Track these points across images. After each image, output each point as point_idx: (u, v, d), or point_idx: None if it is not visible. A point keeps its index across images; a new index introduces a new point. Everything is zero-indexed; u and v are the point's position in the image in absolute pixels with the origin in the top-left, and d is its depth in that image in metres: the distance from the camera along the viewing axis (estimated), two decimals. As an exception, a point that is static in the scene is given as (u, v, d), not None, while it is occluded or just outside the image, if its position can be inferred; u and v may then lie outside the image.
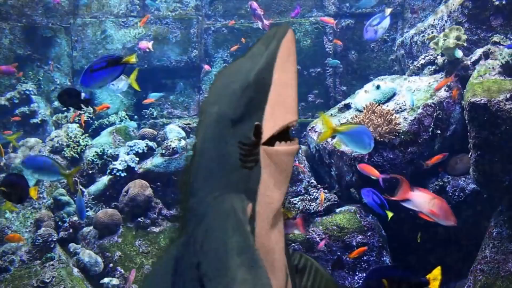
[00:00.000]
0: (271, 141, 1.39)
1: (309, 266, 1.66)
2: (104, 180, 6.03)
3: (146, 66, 7.51)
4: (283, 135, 1.41)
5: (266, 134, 1.37)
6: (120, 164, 5.90)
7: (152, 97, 6.97)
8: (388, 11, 4.82)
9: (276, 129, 1.37)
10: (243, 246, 1.29)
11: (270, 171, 1.38)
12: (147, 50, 6.93)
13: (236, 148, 1.36)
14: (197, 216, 1.40)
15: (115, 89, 4.74)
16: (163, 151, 6.02)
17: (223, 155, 1.38)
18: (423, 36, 5.91)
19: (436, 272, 2.25)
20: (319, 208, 4.91)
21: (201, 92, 7.66)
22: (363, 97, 5.31)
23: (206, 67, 7.36)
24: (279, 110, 1.37)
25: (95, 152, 6.29)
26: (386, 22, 4.75)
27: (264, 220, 1.39)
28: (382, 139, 4.61)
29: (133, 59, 3.22)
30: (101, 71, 3.23)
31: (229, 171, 1.37)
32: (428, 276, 2.23)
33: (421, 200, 3.69)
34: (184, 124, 6.83)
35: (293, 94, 1.40)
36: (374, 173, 4.31)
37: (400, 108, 4.90)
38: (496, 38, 4.89)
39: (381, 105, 4.97)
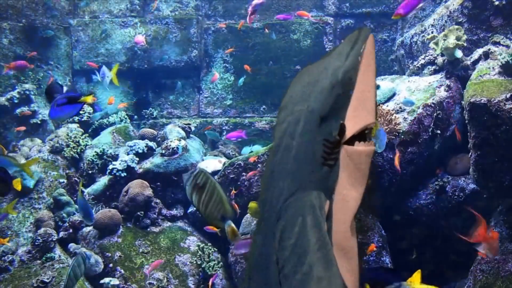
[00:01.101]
0: (350, 141, 1.40)
1: (209, 184, 1.76)
2: (104, 180, 6.03)
3: (146, 66, 7.52)
4: (361, 135, 1.42)
5: (348, 133, 1.38)
6: (120, 164, 5.89)
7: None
8: None
9: (356, 129, 1.38)
10: (320, 245, 1.31)
11: (348, 170, 1.39)
12: (143, 44, 6.93)
13: (321, 145, 1.38)
14: (276, 210, 1.43)
15: (106, 85, 5.30)
16: (163, 151, 6.02)
17: (310, 151, 1.39)
18: (423, 36, 5.91)
19: (416, 276, 2.24)
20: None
21: (201, 92, 7.66)
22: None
23: (215, 77, 7.37)
24: (360, 111, 1.38)
25: (95, 152, 6.29)
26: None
27: (340, 218, 1.41)
28: (382, 139, 4.61)
29: (89, 99, 3.52)
30: (64, 106, 3.57)
31: (312, 167, 1.39)
32: (409, 280, 2.22)
33: (494, 245, 3.60)
34: (184, 124, 6.82)
35: (373, 95, 1.43)
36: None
37: (400, 108, 4.91)
38: (496, 38, 4.89)
39: (381, 105, 4.97)
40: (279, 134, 1.47)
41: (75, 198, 5.80)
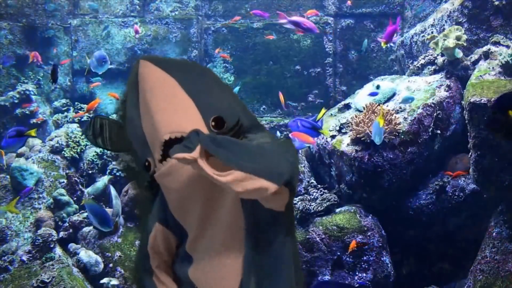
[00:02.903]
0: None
1: (105, 124, 1.85)
2: (104, 180, 6.04)
3: (146, 66, 7.52)
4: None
5: (156, 161, 1.45)
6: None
7: (96, 81, 7.07)
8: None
9: (157, 155, 1.42)
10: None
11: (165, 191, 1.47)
12: (140, 32, 6.92)
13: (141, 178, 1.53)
14: None
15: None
16: (163, 151, 6.02)
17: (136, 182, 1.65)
18: (423, 36, 5.91)
19: None
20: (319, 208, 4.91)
21: (201, 92, 7.66)
22: (363, 97, 5.31)
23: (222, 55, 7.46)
24: (152, 136, 1.41)
25: (95, 152, 6.30)
26: None
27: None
28: (386, 140, 4.61)
29: (33, 133, 4.30)
30: (14, 138, 4.29)
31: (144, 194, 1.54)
32: None
33: None
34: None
35: (155, 113, 1.37)
36: (308, 140, 4.30)
37: (400, 108, 4.91)
38: (496, 38, 4.89)
39: (381, 105, 4.97)
40: None
41: (75, 198, 5.80)
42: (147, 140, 1.38)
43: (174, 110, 1.33)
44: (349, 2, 7.13)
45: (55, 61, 7.27)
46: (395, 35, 5.43)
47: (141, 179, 1.45)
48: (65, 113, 7.07)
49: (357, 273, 4.64)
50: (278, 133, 6.88)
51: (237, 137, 1.34)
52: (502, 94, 1.91)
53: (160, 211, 1.42)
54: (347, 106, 5.59)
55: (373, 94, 5.02)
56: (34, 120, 6.91)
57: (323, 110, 4.53)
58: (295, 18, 5.18)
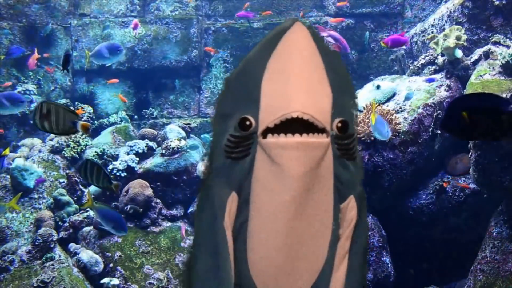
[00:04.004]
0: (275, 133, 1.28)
1: (53, 108, 1.83)
2: (104, 180, 6.04)
3: (146, 66, 7.52)
4: (281, 127, 1.28)
5: (261, 126, 1.28)
6: (120, 164, 5.90)
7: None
8: None
9: (270, 120, 1.26)
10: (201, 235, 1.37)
11: (264, 165, 1.29)
12: (138, 27, 6.89)
13: (222, 139, 1.33)
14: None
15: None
16: (163, 151, 6.02)
17: (216, 146, 1.37)
18: (423, 36, 5.92)
19: None
20: None
21: (201, 92, 7.66)
22: (363, 97, 5.31)
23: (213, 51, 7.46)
24: (274, 102, 1.27)
25: (95, 152, 6.29)
26: None
27: (255, 214, 1.33)
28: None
29: (7, 151, 4.66)
30: None
31: (218, 160, 1.36)
32: None
33: None
34: (184, 124, 6.83)
35: (294, 85, 1.26)
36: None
37: (400, 108, 4.91)
38: (496, 38, 4.89)
39: (381, 105, 4.97)
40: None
41: (75, 198, 5.80)
42: (260, 100, 1.28)
43: (313, 93, 1.27)
44: (343, 3, 7.14)
45: (67, 50, 7.23)
46: (402, 45, 5.46)
47: (223, 132, 1.34)
48: (80, 106, 7.05)
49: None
50: None
51: (353, 148, 1.34)
52: (457, 96, 2.06)
53: (238, 180, 1.32)
54: (347, 106, 5.59)
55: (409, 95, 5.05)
56: None
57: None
58: (334, 33, 5.24)
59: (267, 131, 1.27)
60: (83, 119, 7.02)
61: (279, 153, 1.25)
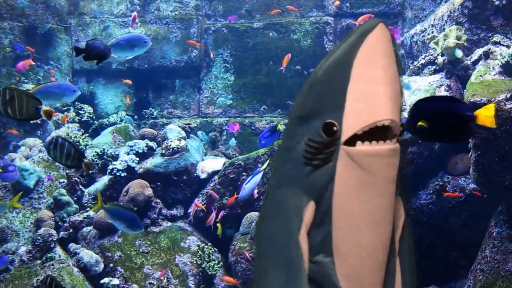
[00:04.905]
0: (361, 140, 1.23)
1: (16, 94, 1.79)
2: (104, 180, 6.04)
3: (146, 66, 7.52)
4: (381, 134, 1.25)
5: (347, 132, 1.22)
6: (120, 164, 5.90)
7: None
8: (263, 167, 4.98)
9: (359, 127, 1.21)
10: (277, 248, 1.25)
11: (350, 173, 1.23)
12: (136, 20, 6.85)
13: (301, 144, 1.26)
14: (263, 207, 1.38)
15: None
16: (163, 151, 6.02)
17: (288, 150, 1.29)
18: (423, 36, 5.91)
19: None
20: None
21: (201, 92, 7.66)
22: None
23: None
24: (362, 108, 1.22)
25: (95, 152, 6.30)
26: (257, 177, 4.86)
27: (342, 223, 1.26)
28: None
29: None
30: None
31: (291, 166, 1.28)
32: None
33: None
34: (184, 124, 6.83)
35: (381, 90, 1.23)
36: None
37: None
38: (496, 38, 4.89)
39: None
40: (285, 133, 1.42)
41: (75, 198, 5.80)
42: (345, 105, 1.22)
43: (396, 100, 1.27)
44: (337, 3, 7.15)
45: (75, 43, 7.21)
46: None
47: (299, 137, 1.27)
48: (65, 113, 7.07)
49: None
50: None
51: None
52: (420, 99, 2.12)
53: (318, 189, 1.25)
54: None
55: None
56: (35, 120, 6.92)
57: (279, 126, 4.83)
58: None
59: (352, 138, 1.22)
60: (83, 119, 7.04)
61: (372, 161, 1.22)
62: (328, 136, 1.23)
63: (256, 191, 5.35)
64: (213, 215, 5.35)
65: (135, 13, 6.75)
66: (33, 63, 6.56)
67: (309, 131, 1.26)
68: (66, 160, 3.34)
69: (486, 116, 2.13)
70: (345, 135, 1.22)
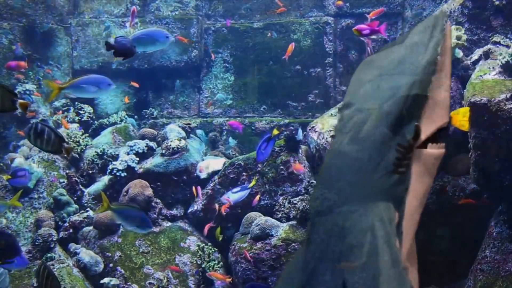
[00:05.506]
0: (423, 144, 1.22)
1: None
2: (104, 180, 6.04)
3: (146, 66, 7.52)
4: (433, 137, 1.24)
5: (422, 136, 1.21)
6: (120, 164, 5.90)
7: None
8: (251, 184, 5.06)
9: (431, 130, 1.21)
10: (392, 265, 1.17)
11: (419, 176, 1.22)
12: (135, 15, 6.80)
13: (393, 150, 1.19)
14: (331, 226, 1.25)
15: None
16: (163, 151, 6.02)
17: (378, 156, 1.20)
18: (423, 36, 5.91)
19: None
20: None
21: (201, 92, 7.66)
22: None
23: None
24: (437, 110, 1.21)
25: (95, 152, 6.30)
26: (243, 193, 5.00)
27: (408, 234, 1.25)
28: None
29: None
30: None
31: (380, 175, 1.21)
32: None
33: None
34: (184, 124, 6.83)
35: (448, 94, 1.24)
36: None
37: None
38: (496, 38, 4.89)
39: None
40: (341, 135, 1.29)
41: (75, 198, 5.80)
42: (426, 105, 1.19)
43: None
44: (340, 2, 7.15)
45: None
46: (373, 35, 5.45)
47: (387, 142, 1.19)
48: (65, 113, 7.07)
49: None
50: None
51: None
52: None
53: (400, 198, 1.23)
54: (347, 106, 5.59)
55: None
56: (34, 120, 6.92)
57: (275, 131, 4.89)
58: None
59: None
60: (83, 119, 7.03)
61: (433, 163, 1.23)
62: (414, 140, 1.20)
63: (257, 197, 5.38)
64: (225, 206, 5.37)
65: (134, 7, 6.73)
66: (26, 66, 6.54)
67: (399, 137, 1.20)
68: (46, 146, 3.35)
69: (459, 119, 2.20)
70: (422, 138, 1.21)
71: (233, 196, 4.88)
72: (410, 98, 1.21)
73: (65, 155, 4.16)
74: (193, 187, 5.68)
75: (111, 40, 3.63)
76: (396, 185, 1.21)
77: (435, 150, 1.23)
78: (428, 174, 1.22)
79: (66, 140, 4.52)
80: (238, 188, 4.93)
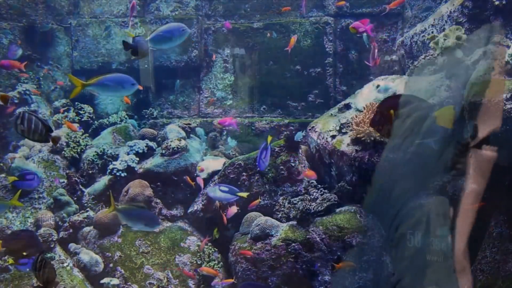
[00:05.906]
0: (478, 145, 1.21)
1: None
2: (104, 180, 6.04)
3: (146, 66, 7.52)
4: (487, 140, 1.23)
5: (479, 136, 1.20)
6: (120, 164, 5.90)
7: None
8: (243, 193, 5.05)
9: (485, 133, 1.19)
10: (446, 259, 1.15)
11: (475, 176, 1.20)
12: (135, 9, 6.78)
13: (453, 147, 1.21)
14: (394, 209, 1.26)
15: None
16: (163, 151, 6.02)
17: (438, 152, 1.23)
18: (423, 36, 5.91)
19: None
20: (319, 208, 4.93)
21: (201, 92, 7.66)
22: (363, 97, 5.31)
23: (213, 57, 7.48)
24: (490, 114, 1.20)
25: (95, 152, 6.29)
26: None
27: (461, 231, 1.26)
28: (382, 139, 4.61)
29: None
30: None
31: (439, 170, 1.22)
32: None
33: None
34: (184, 124, 6.83)
35: (501, 99, 1.23)
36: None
37: (400, 108, 4.91)
38: (496, 38, 4.89)
39: (381, 105, 4.97)
40: (400, 130, 1.30)
41: (75, 198, 5.80)
42: (482, 107, 1.19)
43: None
44: (342, 2, 7.15)
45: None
46: (363, 34, 5.46)
47: (450, 141, 1.20)
48: (65, 113, 7.07)
49: (357, 273, 4.65)
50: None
51: None
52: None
53: (457, 196, 1.21)
54: (347, 106, 5.59)
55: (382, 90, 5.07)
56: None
57: (270, 137, 4.87)
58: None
59: None
60: (83, 119, 7.03)
61: (487, 165, 1.20)
62: (472, 139, 1.18)
63: (256, 202, 5.38)
64: (234, 208, 5.34)
65: (134, 1, 6.70)
66: (21, 66, 6.53)
67: (458, 135, 1.18)
68: (33, 135, 3.33)
69: (443, 117, 2.22)
70: (478, 138, 1.20)
71: (219, 193, 4.82)
72: (470, 98, 1.24)
73: (53, 144, 4.14)
74: (197, 179, 5.71)
75: (129, 40, 3.66)
76: (452, 182, 1.22)
77: (489, 152, 1.21)
78: (482, 176, 1.20)
79: (53, 129, 4.52)
80: (227, 189, 4.89)
